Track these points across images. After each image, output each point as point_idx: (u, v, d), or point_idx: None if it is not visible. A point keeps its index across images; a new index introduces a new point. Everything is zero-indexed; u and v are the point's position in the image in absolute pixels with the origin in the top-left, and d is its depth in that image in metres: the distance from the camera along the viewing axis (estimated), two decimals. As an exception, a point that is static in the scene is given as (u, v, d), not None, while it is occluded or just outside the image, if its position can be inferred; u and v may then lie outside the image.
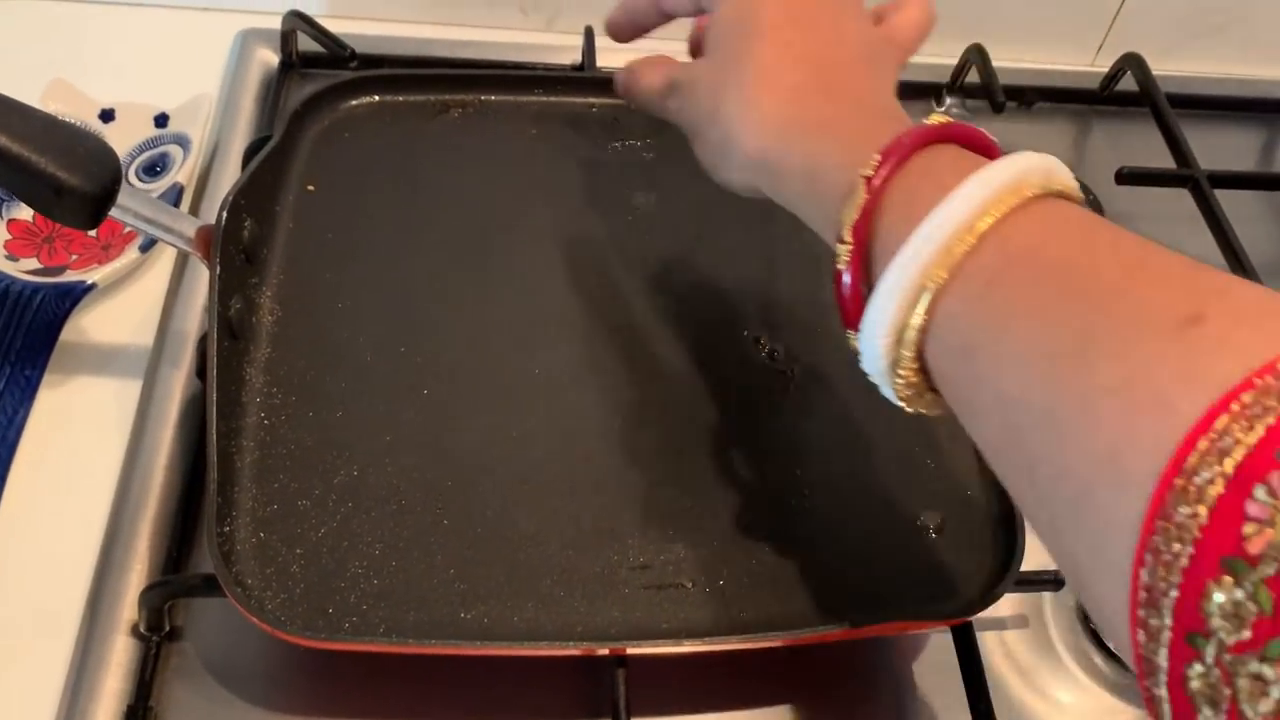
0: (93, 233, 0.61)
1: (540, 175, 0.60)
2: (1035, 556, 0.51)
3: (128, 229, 0.60)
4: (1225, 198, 0.68)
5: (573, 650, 0.44)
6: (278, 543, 0.45)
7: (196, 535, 0.51)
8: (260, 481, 0.47)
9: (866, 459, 0.51)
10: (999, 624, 0.52)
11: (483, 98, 0.63)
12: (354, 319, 0.53)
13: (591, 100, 0.64)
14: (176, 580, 0.47)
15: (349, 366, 0.51)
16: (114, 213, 0.46)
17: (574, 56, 0.72)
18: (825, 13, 0.43)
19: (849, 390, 0.53)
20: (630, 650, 0.44)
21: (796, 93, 0.40)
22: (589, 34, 0.71)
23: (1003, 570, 0.47)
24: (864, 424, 0.52)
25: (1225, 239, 0.65)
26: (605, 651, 0.44)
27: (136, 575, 0.48)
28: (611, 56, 0.71)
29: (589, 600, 0.45)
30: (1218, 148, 0.75)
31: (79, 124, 0.60)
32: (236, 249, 0.50)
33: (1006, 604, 0.52)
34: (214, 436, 0.45)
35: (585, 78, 0.67)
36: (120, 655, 0.46)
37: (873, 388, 0.37)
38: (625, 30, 0.52)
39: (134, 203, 0.47)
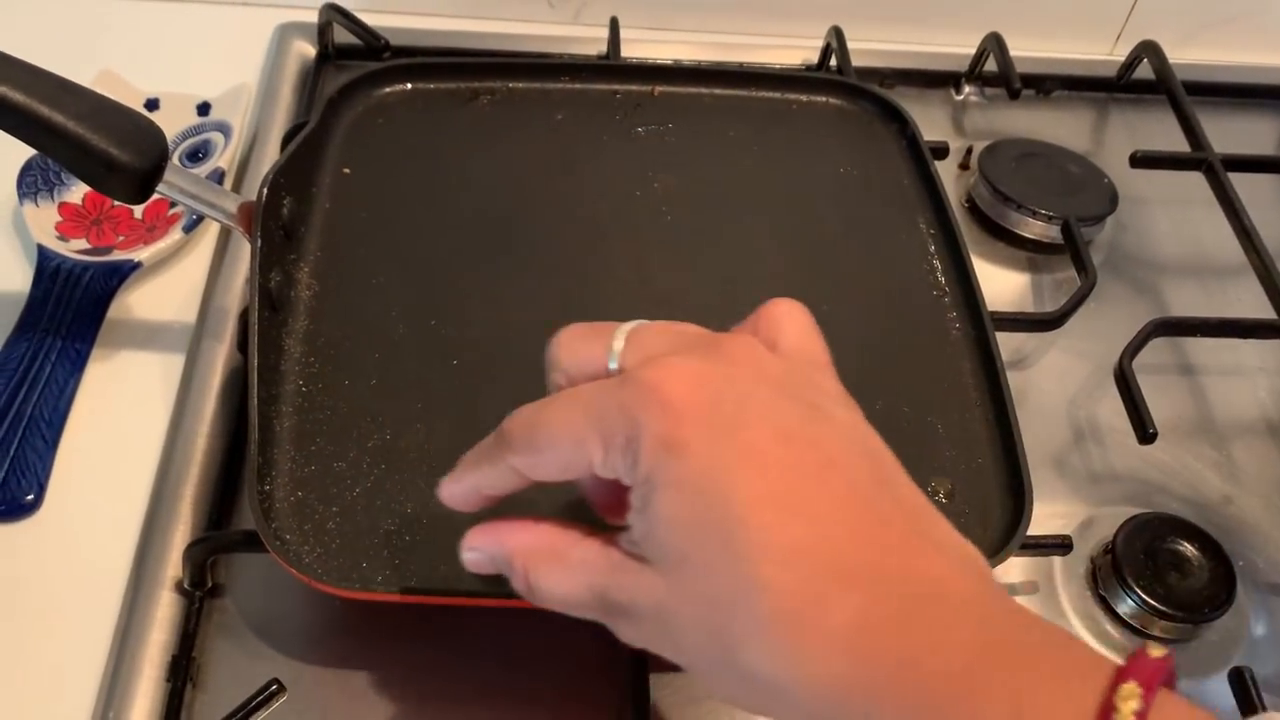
0: (138, 214, 0.64)
1: (566, 158, 0.63)
2: (1043, 522, 0.53)
3: (172, 211, 0.63)
4: (1240, 183, 0.68)
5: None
6: (315, 501, 0.48)
7: (237, 498, 0.53)
8: (298, 444, 0.49)
9: (876, 425, 0.52)
10: (1009, 589, 0.53)
11: (511, 85, 0.66)
12: (387, 294, 0.55)
13: (616, 87, 0.66)
14: (218, 536, 0.50)
15: (382, 338, 0.53)
16: (161, 188, 0.49)
17: (600, 47, 0.74)
18: (807, 446, 0.32)
19: (859, 360, 0.55)
20: (649, 603, 0.46)
21: (860, 629, 0.29)
22: (614, 25, 0.74)
23: (1010, 534, 0.48)
24: (874, 393, 0.53)
25: (1239, 222, 0.66)
26: (625, 604, 0.46)
27: (180, 535, 0.50)
28: (636, 48, 0.74)
29: (610, 558, 0.47)
30: (1235, 135, 0.76)
31: (127, 110, 0.63)
32: (276, 224, 0.53)
33: (1016, 569, 0.54)
34: (254, 400, 0.47)
35: (610, 65, 0.70)
36: (165, 610, 0.49)
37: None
38: (470, 502, 0.39)
39: (180, 179, 0.50)
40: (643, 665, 0.46)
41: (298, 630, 0.49)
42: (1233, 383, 0.64)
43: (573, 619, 0.49)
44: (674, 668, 0.47)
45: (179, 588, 0.49)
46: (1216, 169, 0.69)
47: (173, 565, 0.49)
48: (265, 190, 0.51)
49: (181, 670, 0.47)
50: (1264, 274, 0.64)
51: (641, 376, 0.32)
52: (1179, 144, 0.72)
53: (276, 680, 0.45)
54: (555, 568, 0.35)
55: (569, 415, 0.34)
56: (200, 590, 0.49)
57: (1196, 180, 0.70)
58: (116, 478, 0.53)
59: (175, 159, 0.66)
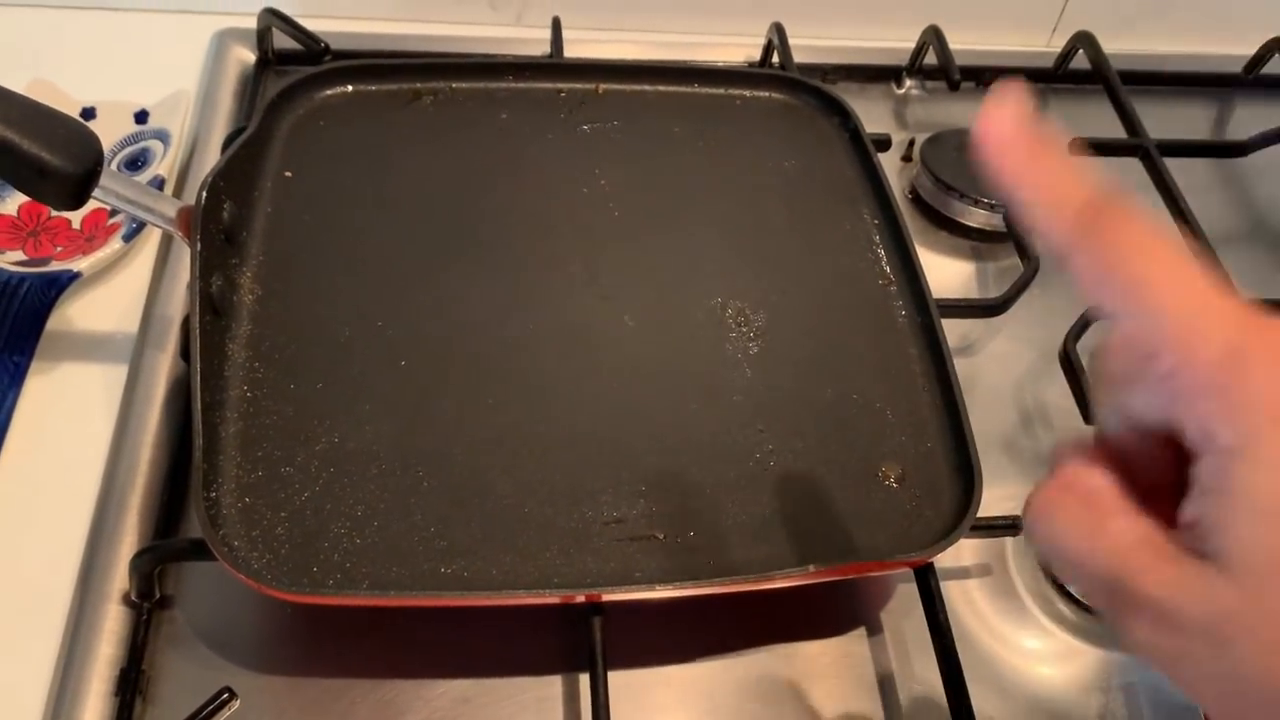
0: (76, 225, 0.63)
1: (511, 157, 0.62)
2: (994, 505, 0.53)
3: (111, 220, 0.62)
4: (1176, 169, 0.70)
5: (550, 598, 0.46)
6: (263, 507, 0.47)
7: (184, 508, 0.52)
8: (244, 450, 0.48)
9: (827, 413, 0.53)
10: (963, 573, 0.54)
11: (454, 85, 0.65)
12: (332, 296, 0.55)
13: (560, 85, 0.66)
14: (164, 545, 0.49)
15: (328, 341, 0.53)
16: (97, 193, 0.48)
17: (543, 48, 0.74)
18: None
19: (809, 349, 0.56)
20: (606, 596, 0.46)
21: None
22: (556, 25, 0.73)
23: (961, 515, 0.48)
24: (823, 381, 0.54)
25: (1176, 207, 0.68)
26: (582, 598, 0.46)
27: (127, 546, 0.50)
28: (579, 48, 0.74)
29: (565, 553, 0.47)
30: (1170, 121, 0.77)
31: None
32: (216, 229, 0.52)
33: (969, 553, 0.54)
34: (199, 406, 0.46)
35: (554, 63, 0.69)
36: (112, 623, 0.48)
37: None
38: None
39: (116, 184, 0.49)
40: (603, 665, 0.46)
41: (249, 639, 0.49)
42: (1175, 363, 0.65)
43: (531, 620, 0.50)
44: (634, 665, 0.49)
45: (126, 600, 0.48)
46: (1152, 154, 0.70)
47: (119, 578, 0.49)
48: (204, 193, 0.50)
49: (130, 683, 0.46)
50: (1200, 255, 0.65)
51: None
52: (1116, 132, 0.73)
53: (228, 688, 0.44)
54: (1080, 521, 0.28)
55: (1179, 277, 0.26)
56: (148, 601, 0.48)
57: (1134, 167, 0.71)
58: (59, 492, 0.52)
59: (113, 167, 0.65)
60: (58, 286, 0.58)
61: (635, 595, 0.46)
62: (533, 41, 0.75)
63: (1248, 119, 0.81)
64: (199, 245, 0.49)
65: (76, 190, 0.47)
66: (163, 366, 0.56)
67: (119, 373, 0.56)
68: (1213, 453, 0.26)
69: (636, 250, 0.59)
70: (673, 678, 0.49)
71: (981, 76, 0.79)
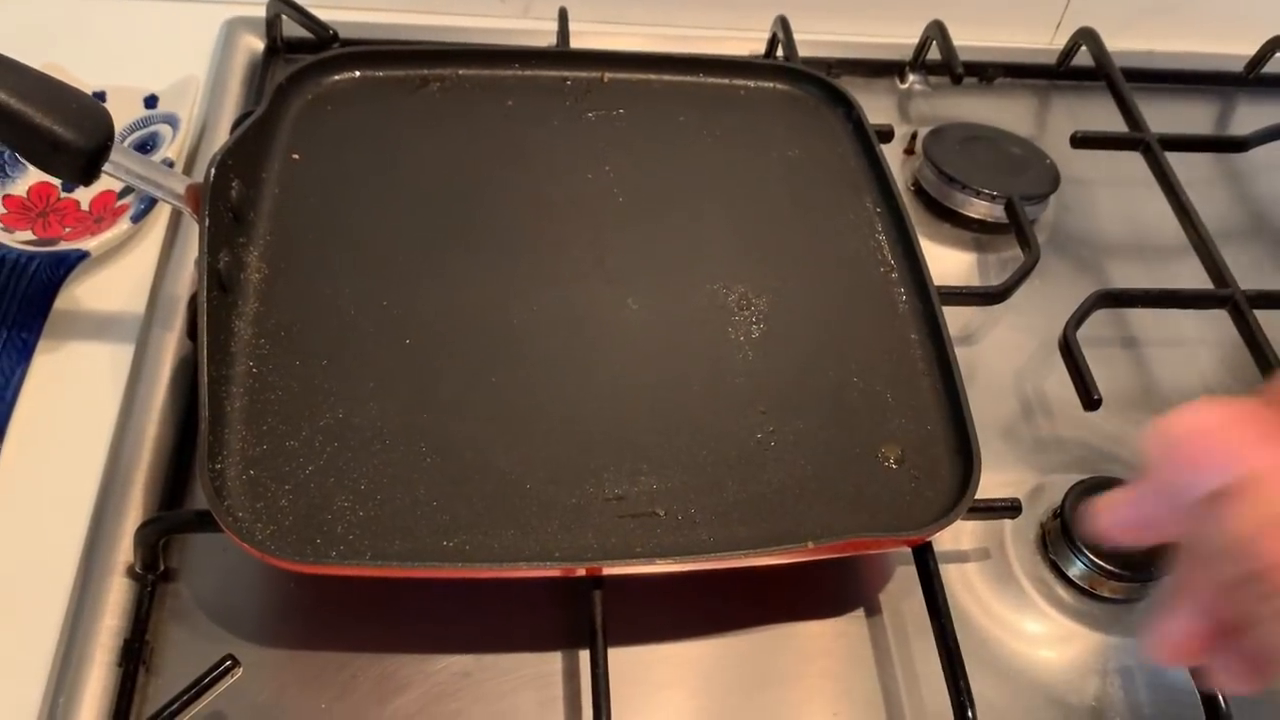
0: (85, 206, 0.63)
1: (517, 142, 0.63)
2: (993, 490, 0.54)
3: (120, 202, 0.63)
4: (1178, 163, 0.70)
5: (551, 570, 0.46)
6: (267, 480, 0.47)
7: (189, 484, 0.53)
8: (249, 424, 0.49)
9: (828, 396, 0.53)
10: (961, 556, 0.54)
11: (460, 72, 0.66)
12: (338, 276, 0.55)
13: (566, 73, 0.67)
14: (169, 516, 0.49)
15: (333, 320, 0.53)
16: (107, 168, 0.49)
17: (549, 40, 0.75)
18: None
19: (811, 333, 0.56)
20: (606, 570, 0.46)
21: None
22: (563, 16, 0.74)
23: (960, 494, 0.49)
24: (825, 365, 0.55)
25: (1178, 201, 0.68)
26: (582, 571, 0.46)
27: (131, 520, 0.50)
28: (585, 39, 0.74)
29: (566, 528, 0.47)
30: (1171, 118, 0.78)
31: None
32: (224, 206, 0.53)
33: (967, 536, 0.54)
34: (205, 378, 0.47)
35: (560, 52, 0.70)
36: (117, 595, 0.48)
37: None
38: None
39: (127, 160, 0.49)
40: (603, 640, 0.46)
41: (252, 612, 0.49)
42: (1174, 354, 0.65)
43: (532, 596, 0.50)
44: (633, 642, 0.49)
45: (131, 572, 0.49)
46: (1154, 148, 0.70)
47: (124, 550, 0.49)
48: (213, 170, 0.51)
49: (134, 654, 0.46)
50: (1201, 248, 0.65)
51: None
52: (1118, 127, 0.74)
53: (230, 656, 0.44)
54: None
55: None
56: (152, 574, 0.49)
57: (1136, 162, 0.71)
58: (65, 467, 0.52)
59: (122, 151, 0.66)
60: (66, 265, 0.58)
61: (635, 569, 0.46)
62: (539, 33, 0.76)
63: (1248, 118, 0.81)
64: (207, 221, 0.50)
65: (88, 164, 0.48)
66: (169, 345, 0.57)
67: (126, 351, 0.57)
68: None
69: (641, 235, 0.60)
70: (672, 655, 0.49)
71: (985, 72, 0.80)
